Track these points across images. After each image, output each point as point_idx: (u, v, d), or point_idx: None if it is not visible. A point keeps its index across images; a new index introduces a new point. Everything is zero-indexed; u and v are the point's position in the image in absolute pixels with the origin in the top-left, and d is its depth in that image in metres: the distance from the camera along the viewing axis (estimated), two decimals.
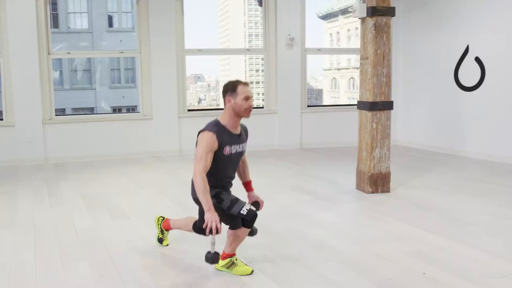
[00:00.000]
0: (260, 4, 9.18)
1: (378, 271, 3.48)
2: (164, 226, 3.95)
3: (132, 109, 26.24)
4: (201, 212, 3.36)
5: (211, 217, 3.03)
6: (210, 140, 3.20)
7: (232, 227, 3.38)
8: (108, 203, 5.41)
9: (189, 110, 8.75)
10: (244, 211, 3.26)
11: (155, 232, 4.12)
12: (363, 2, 5.64)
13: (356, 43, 39.84)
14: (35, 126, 7.87)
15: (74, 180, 6.62)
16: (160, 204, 5.38)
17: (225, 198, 3.33)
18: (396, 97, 9.05)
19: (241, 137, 3.42)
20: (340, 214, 5.00)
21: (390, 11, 5.58)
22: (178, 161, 7.98)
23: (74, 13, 25.90)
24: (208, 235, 3.07)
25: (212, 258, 3.21)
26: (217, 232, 3.02)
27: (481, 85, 8.09)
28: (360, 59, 5.79)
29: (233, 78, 3.47)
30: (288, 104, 9.12)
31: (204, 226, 3.04)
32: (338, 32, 43.28)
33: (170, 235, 4.13)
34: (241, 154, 3.45)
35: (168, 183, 6.43)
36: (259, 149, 8.99)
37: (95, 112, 24.72)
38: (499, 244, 4.03)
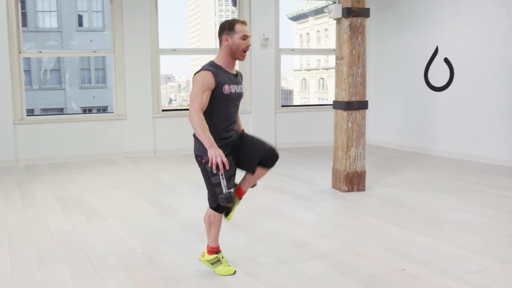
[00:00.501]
0: (234, 4, 9.14)
1: (359, 269, 3.49)
2: (238, 195, 3.48)
3: (102, 109, 25.84)
4: (204, 178, 3.24)
5: (215, 153, 2.88)
6: (206, 77, 3.04)
7: (209, 204, 3.29)
8: (84, 205, 5.30)
9: (163, 110, 8.65)
10: (223, 195, 3.05)
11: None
12: (338, 3, 5.67)
13: (326, 44, 40.17)
14: (5, 126, 7.65)
15: (47, 182, 6.46)
16: (137, 205, 5.30)
17: (218, 172, 3.10)
18: (368, 96, 9.15)
19: (238, 78, 3.27)
20: (318, 213, 5.00)
21: (365, 12, 5.63)
22: (152, 162, 7.88)
23: (43, 11, 25.35)
24: (216, 172, 2.94)
25: (226, 197, 3.02)
26: (224, 167, 2.89)
27: (450, 85, 8.24)
28: (336, 59, 5.82)
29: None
30: (263, 104, 9.11)
31: (209, 164, 2.90)
32: (308, 33, 43.53)
33: (146, 237, 4.07)
34: (240, 96, 3.26)
35: (144, 184, 6.34)
36: None
37: (65, 113, 24.25)
38: (474, 240, 4.10)
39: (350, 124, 5.70)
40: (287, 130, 9.34)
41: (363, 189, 5.81)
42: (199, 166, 3.25)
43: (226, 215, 3.44)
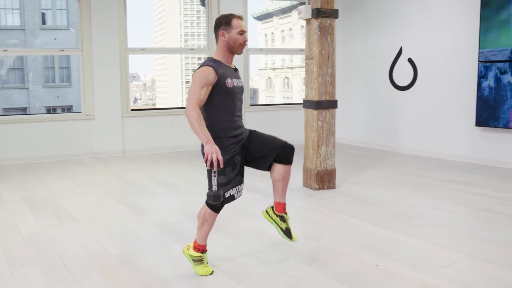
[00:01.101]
0: (203, 4, 9.07)
1: (334, 266, 3.51)
2: (280, 210, 3.38)
3: (67, 109, 25.27)
4: (208, 179, 3.05)
5: (211, 149, 2.82)
6: (205, 72, 2.98)
7: (206, 198, 3.08)
8: (53, 206, 5.16)
9: (132, 110, 8.51)
10: (228, 194, 3.09)
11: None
12: (308, 4, 5.70)
13: (290, 44, 40.37)
14: None
15: (14, 183, 6.27)
16: (108, 205, 5.19)
17: (227, 173, 3.08)
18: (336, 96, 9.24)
19: (237, 72, 3.24)
20: (291, 211, 4.93)
21: (333, 13, 5.67)
22: (122, 162, 7.75)
23: (5, 9, 24.57)
24: (209, 168, 2.87)
25: (214, 196, 2.93)
26: (219, 165, 2.84)
27: (414, 85, 8.41)
28: (306, 59, 5.85)
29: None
30: None
31: (204, 159, 2.84)
32: (272, 33, 43.67)
33: (120, 238, 3.99)
34: (242, 90, 3.21)
35: (114, 184, 6.22)
36: (199, 148, 8.89)
37: (28, 112, 23.60)
38: (442, 235, 4.18)
39: (320, 123, 5.74)
40: (256, 128, 9.30)
41: (334, 187, 5.86)
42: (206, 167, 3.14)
43: (289, 236, 3.35)
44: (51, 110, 25.25)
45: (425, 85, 8.21)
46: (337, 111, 9.50)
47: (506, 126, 7.03)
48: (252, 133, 3.30)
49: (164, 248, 3.90)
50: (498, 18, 7.01)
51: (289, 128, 9.33)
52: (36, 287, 3.19)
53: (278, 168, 3.25)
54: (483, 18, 7.15)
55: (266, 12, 42.81)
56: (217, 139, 3.03)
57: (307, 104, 5.85)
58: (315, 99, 5.70)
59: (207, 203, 3.16)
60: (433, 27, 8.02)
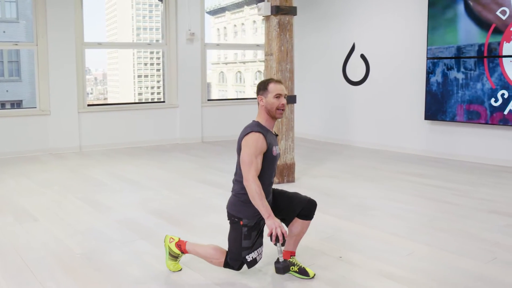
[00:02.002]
0: None
1: (299, 258, 3.52)
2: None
3: (17, 104, 24.28)
4: (234, 239, 3.03)
5: (274, 224, 2.76)
6: (259, 141, 2.91)
7: (229, 259, 3.06)
8: (11, 205, 4.94)
9: (89, 105, 8.27)
10: (249, 258, 3.01)
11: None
12: (267, 1, 5.68)
13: (242, 39, 40.27)
14: None
15: None
16: (68, 203, 5.02)
17: (252, 238, 3.01)
18: None
19: (277, 137, 3.20)
20: None
21: (292, 10, 5.69)
22: (79, 158, 7.52)
23: None
24: (275, 243, 2.79)
25: (284, 267, 2.88)
26: (283, 238, 2.77)
27: (366, 80, 8.57)
28: (265, 55, 5.84)
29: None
30: (189, 98, 8.98)
31: (268, 234, 2.78)
32: (225, 27, 43.44)
33: (83, 236, 3.88)
34: (279, 156, 3.16)
35: (73, 181, 6.02)
36: (162, 143, 8.78)
37: None
38: (399, 225, 4.29)
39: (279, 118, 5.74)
40: (213, 123, 9.28)
41: (293, 181, 5.90)
42: (231, 224, 3.08)
43: (306, 275, 3.19)
44: None
45: (377, 80, 8.38)
46: (295, 105, 9.61)
47: (453, 120, 7.28)
48: (275, 191, 3.22)
49: (129, 245, 3.81)
50: (444, 16, 7.23)
51: (246, 122, 9.32)
52: None
53: (298, 222, 3.16)
54: (431, 17, 7.37)
55: (219, 7, 42.55)
56: (249, 203, 2.93)
57: None
58: None
59: (225, 262, 3.09)
60: (384, 24, 8.19)
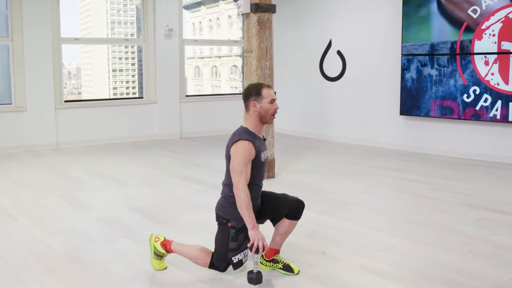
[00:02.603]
0: None
1: (282, 254, 3.51)
2: (271, 255, 3.28)
3: None
4: (221, 241, 3.02)
5: (257, 235, 2.78)
6: (247, 149, 2.89)
7: (213, 262, 3.06)
8: None
9: (66, 101, 8.12)
10: (235, 259, 2.99)
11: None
12: None
13: (218, 34, 40.15)
14: None
15: None
16: (48, 202, 4.92)
17: (239, 240, 3.00)
18: None
19: (265, 141, 3.17)
20: None
21: (271, 8, 5.69)
22: (56, 155, 7.38)
23: None
24: (254, 253, 2.82)
25: (257, 278, 2.91)
26: (263, 250, 2.80)
27: (343, 76, 8.64)
28: (245, 52, 5.83)
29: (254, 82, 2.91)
30: (168, 94, 8.90)
31: (249, 244, 2.80)
32: (200, 22, 43.22)
33: (65, 236, 3.82)
34: (267, 160, 3.14)
35: (51, 179, 5.91)
36: (141, 140, 8.70)
37: None
38: (379, 220, 4.35)
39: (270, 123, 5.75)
40: (191, 119, 9.23)
41: (273, 176, 5.92)
42: (219, 226, 3.06)
43: (290, 271, 3.22)
44: None
45: (353, 76, 8.46)
46: None
47: (427, 115, 7.40)
48: (264, 193, 3.21)
49: (112, 244, 3.77)
50: (418, 14, 7.33)
51: (223, 118, 9.34)
52: None
53: (286, 222, 3.16)
54: (405, 14, 7.46)
55: (195, 1, 42.18)
56: (236, 208, 2.92)
57: None
58: None
59: (210, 263, 3.07)
60: (360, 21, 8.26)
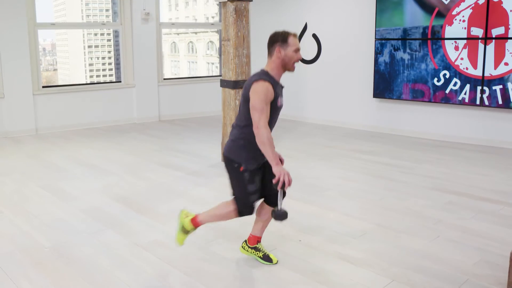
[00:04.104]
0: None
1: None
2: (254, 242, 3.36)
3: None
4: (238, 186, 3.01)
5: (283, 171, 2.80)
6: (267, 89, 2.87)
7: (234, 199, 3.06)
8: None
9: (44, 87, 8.01)
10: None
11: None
12: None
13: (194, 10, 39.51)
14: None
15: None
16: (31, 192, 4.93)
17: (256, 181, 3.02)
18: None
19: (283, 89, 3.13)
20: (214, 189, 5.10)
21: None
22: (35, 141, 7.33)
23: None
24: (280, 189, 2.83)
25: (282, 214, 2.90)
26: (289, 184, 2.82)
27: (318, 59, 8.71)
28: (222, 40, 5.84)
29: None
30: (145, 77, 8.86)
31: (275, 180, 2.80)
32: (177, 5, 42.39)
33: (50, 228, 3.87)
34: (282, 106, 3.09)
35: (33, 168, 5.89)
36: (120, 123, 8.68)
37: None
38: (353, 205, 4.51)
39: (237, 102, 5.81)
40: (170, 102, 9.22)
41: None
42: (230, 171, 3.05)
43: (269, 261, 3.31)
44: None
45: (328, 59, 8.54)
46: None
47: (399, 98, 7.56)
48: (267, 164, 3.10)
49: (97, 235, 3.83)
50: (392, 0, 7.42)
51: (200, 101, 9.36)
52: None
53: (267, 209, 3.22)
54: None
55: None
56: (247, 148, 2.95)
57: (224, 83, 5.89)
58: (232, 79, 5.75)
59: (237, 210, 3.05)
60: (335, 5, 8.30)
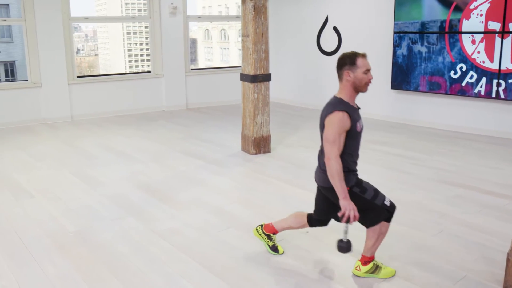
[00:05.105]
0: None
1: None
2: (269, 230, 3.34)
3: (10, 64, 23.73)
4: (320, 200, 2.99)
5: (348, 205, 2.69)
6: (342, 120, 2.72)
7: (372, 223, 2.92)
8: (7, 181, 4.98)
9: (78, 77, 8.18)
10: (387, 202, 2.86)
11: (260, 244, 3.50)
12: None
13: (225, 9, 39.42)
14: None
15: None
16: (62, 178, 5.07)
17: (368, 187, 2.88)
18: (270, 61, 9.31)
19: (359, 110, 2.92)
20: (232, 178, 5.14)
21: None
22: (70, 128, 7.52)
23: None
24: (345, 222, 2.75)
25: (347, 247, 2.87)
26: (355, 219, 2.71)
27: (339, 50, 8.57)
28: (242, 36, 5.82)
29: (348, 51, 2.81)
30: (173, 68, 8.92)
31: (340, 214, 2.71)
32: None
33: (76, 214, 3.98)
34: (363, 129, 2.92)
35: (65, 154, 6.05)
36: (149, 111, 8.80)
37: None
38: None
39: (256, 95, 5.81)
40: (196, 91, 9.27)
41: (269, 151, 6.03)
42: (334, 197, 2.85)
43: (276, 251, 3.34)
44: None
45: (348, 51, 8.38)
46: (272, 73, 9.60)
47: (416, 90, 7.40)
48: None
49: (118, 222, 3.93)
50: None
51: (225, 90, 9.37)
52: (0, 271, 3.16)
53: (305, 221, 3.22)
54: None
55: None
56: (344, 173, 2.78)
57: (243, 77, 5.88)
58: (251, 73, 5.74)
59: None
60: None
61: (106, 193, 4.62)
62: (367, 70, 2.81)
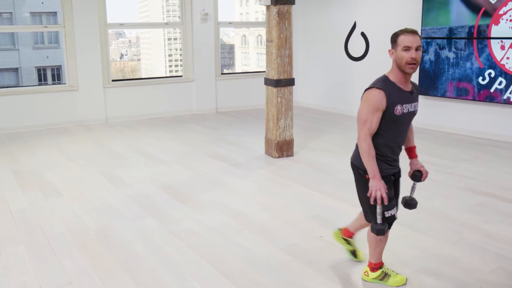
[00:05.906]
0: None
1: (284, 237, 3.62)
2: (347, 235, 3.20)
3: (56, 68, 24.53)
4: (364, 196, 2.69)
5: (376, 185, 2.50)
6: (376, 97, 2.50)
7: (368, 220, 2.80)
8: (40, 179, 5.09)
9: (113, 81, 8.33)
10: (388, 213, 2.65)
11: (340, 247, 3.37)
12: None
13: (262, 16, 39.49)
14: None
15: (4, 154, 6.13)
16: (90, 178, 5.15)
17: (389, 192, 2.63)
18: (297, 65, 9.22)
19: (413, 95, 2.63)
20: (253, 181, 5.08)
21: (290, 0, 5.56)
22: (104, 130, 7.65)
23: None
24: (373, 203, 2.56)
25: (378, 230, 2.62)
26: (383, 202, 2.52)
27: (366, 56, 8.41)
28: (266, 41, 5.78)
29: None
30: (204, 72, 8.96)
31: (368, 194, 2.54)
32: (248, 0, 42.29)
33: (98, 213, 4.02)
34: (413, 114, 2.65)
35: (96, 154, 6.15)
36: (180, 114, 8.87)
37: (19, 72, 22.79)
38: None
39: (279, 99, 5.75)
40: (226, 95, 9.28)
41: (292, 155, 5.95)
42: (357, 178, 2.75)
43: (354, 256, 3.21)
44: (41, 70, 24.45)
45: (376, 56, 8.22)
46: (300, 78, 9.53)
47: (443, 96, 7.15)
48: (397, 180, 2.86)
49: (138, 221, 3.95)
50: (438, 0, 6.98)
51: (255, 94, 9.33)
52: (23, 266, 3.21)
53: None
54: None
55: None
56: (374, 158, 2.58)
57: (267, 82, 5.83)
58: (274, 78, 5.68)
59: (373, 230, 2.69)
60: (382, 5, 7.95)
61: (129, 193, 4.66)
62: (408, 47, 2.47)
